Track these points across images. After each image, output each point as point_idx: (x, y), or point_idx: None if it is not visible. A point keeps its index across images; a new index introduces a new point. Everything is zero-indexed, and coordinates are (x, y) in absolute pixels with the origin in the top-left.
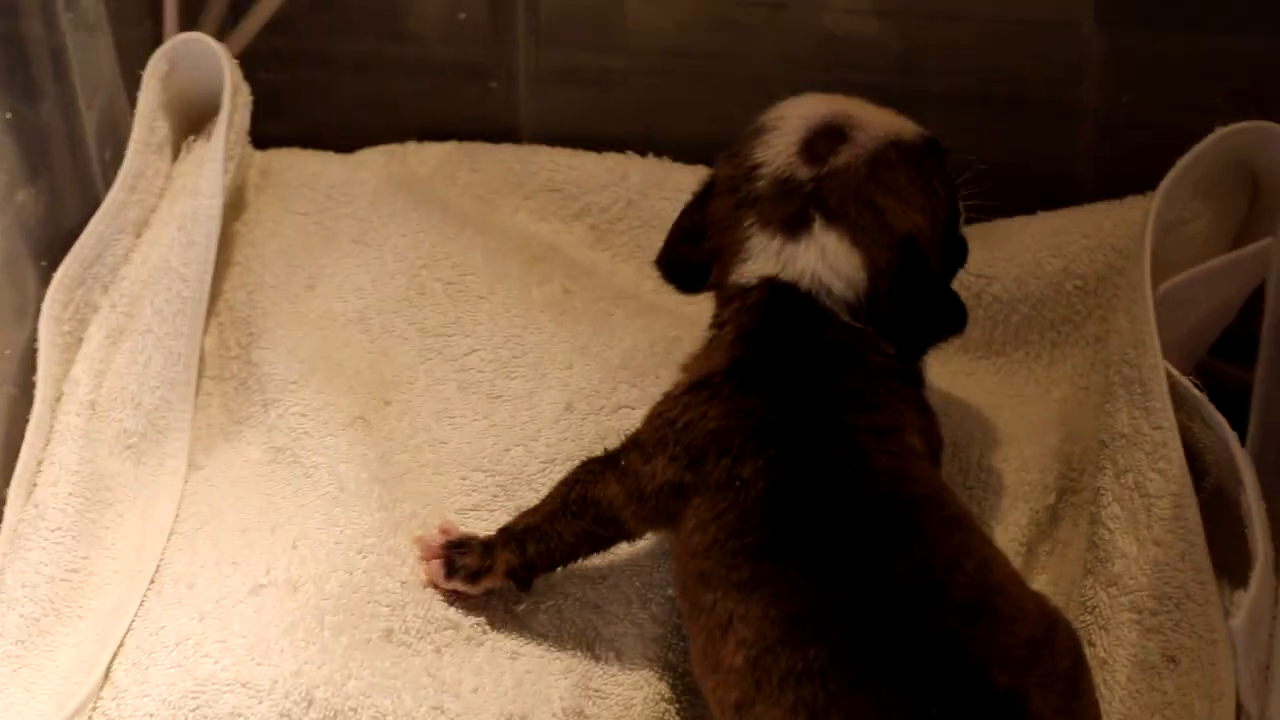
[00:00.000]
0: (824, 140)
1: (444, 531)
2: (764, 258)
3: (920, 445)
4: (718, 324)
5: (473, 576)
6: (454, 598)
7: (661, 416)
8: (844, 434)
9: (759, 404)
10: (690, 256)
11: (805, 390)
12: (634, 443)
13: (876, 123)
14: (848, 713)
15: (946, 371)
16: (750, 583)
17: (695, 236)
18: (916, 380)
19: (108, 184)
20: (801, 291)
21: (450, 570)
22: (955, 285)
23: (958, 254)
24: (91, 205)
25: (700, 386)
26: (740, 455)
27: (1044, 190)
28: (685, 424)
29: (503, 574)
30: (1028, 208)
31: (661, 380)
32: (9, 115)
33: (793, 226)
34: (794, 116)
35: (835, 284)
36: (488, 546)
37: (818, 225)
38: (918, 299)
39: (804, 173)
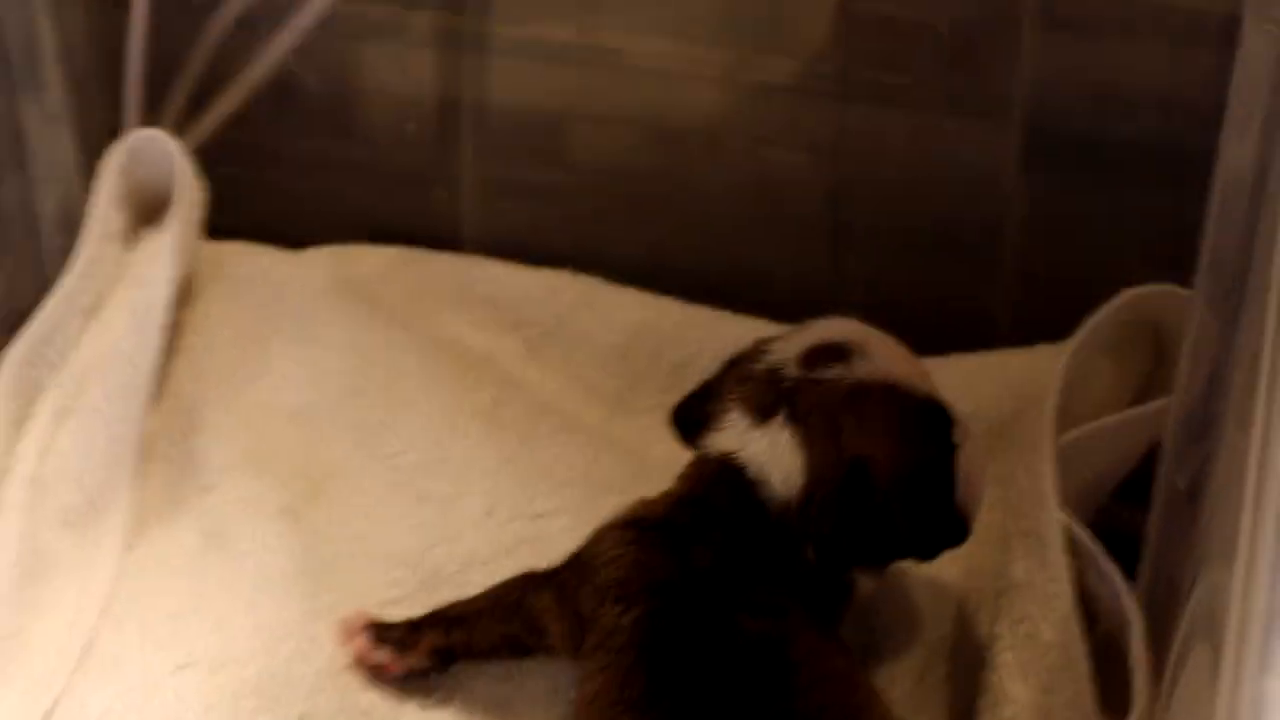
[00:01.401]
0: (827, 354)
1: (364, 615)
2: (732, 433)
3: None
4: (681, 476)
5: (399, 645)
6: (373, 675)
7: (596, 545)
8: (729, 611)
9: (668, 563)
10: (697, 414)
11: (715, 564)
12: (572, 563)
13: (887, 364)
14: None
15: None
16: None
17: (705, 398)
18: (841, 592)
19: (60, 269)
20: (747, 477)
21: (378, 638)
22: None
23: (937, 516)
24: (43, 289)
25: (630, 527)
26: (630, 605)
27: (960, 330)
28: (605, 561)
29: (428, 651)
30: (944, 346)
31: (574, 493)
32: None
33: (763, 414)
34: (818, 328)
35: (775, 478)
36: (414, 625)
37: (779, 420)
38: (847, 520)
39: (792, 371)
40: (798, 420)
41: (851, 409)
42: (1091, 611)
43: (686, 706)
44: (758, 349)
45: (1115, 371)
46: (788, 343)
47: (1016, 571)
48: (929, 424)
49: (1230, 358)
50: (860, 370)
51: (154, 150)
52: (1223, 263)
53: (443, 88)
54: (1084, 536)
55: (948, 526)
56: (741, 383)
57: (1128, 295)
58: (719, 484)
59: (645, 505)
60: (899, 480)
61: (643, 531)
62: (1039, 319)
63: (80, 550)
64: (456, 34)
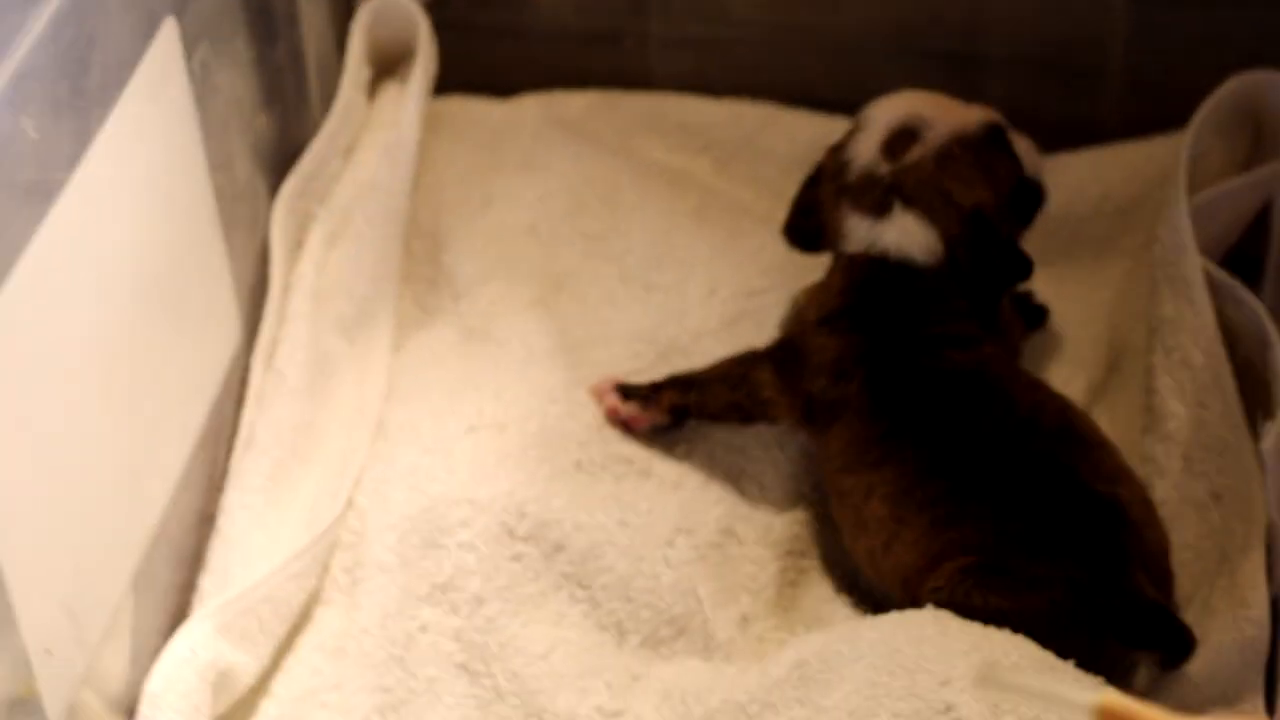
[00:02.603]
0: (900, 140)
1: (612, 379)
2: (858, 235)
3: (998, 353)
4: (833, 270)
5: (644, 401)
6: (625, 430)
7: (801, 339)
8: (930, 347)
9: (864, 339)
10: (807, 227)
11: (897, 327)
12: (785, 348)
13: (944, 120)
14: (973, 517)
15: None
16: (879, 460)
17: (808, 213)
18: (992, 322)
19: (323, 115)
20: (892, 261)
21: (626, 396)
22: None
23: (1031, 203)
24: (310, 131)
25: (823, 323)
26: (849, 377)
27: (1077, 133)
28: (815, 348)
29: (666, 408)
30: (1070, 146)
31: (782, 274)
32: (254, 54)
33: (878, 211)
34: (878, 118)
35: (916, 254)
36: (655, 386)
37: (897, 209)
38: (985, 259)
39: (884, 168)
40: (911, 203)
41: (947, 173)
42: (1230, 339)
43: (922, 424)
44: (837, 157)
45: (1223, 149)
46: (861, 142)
47: (1166, 310)
48: (996, 146)
49: None
50: (933, 141)
51: (393, 11)
52: None
53: None
54: (1221, 274)
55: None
56: (842, 193)
57: (1234, 81)
58: (873, 275)
59: (821, 302)
60: (1003, 206)
61: (835, 321)
62: (1142, 119)
63: (356, 351)
64: None
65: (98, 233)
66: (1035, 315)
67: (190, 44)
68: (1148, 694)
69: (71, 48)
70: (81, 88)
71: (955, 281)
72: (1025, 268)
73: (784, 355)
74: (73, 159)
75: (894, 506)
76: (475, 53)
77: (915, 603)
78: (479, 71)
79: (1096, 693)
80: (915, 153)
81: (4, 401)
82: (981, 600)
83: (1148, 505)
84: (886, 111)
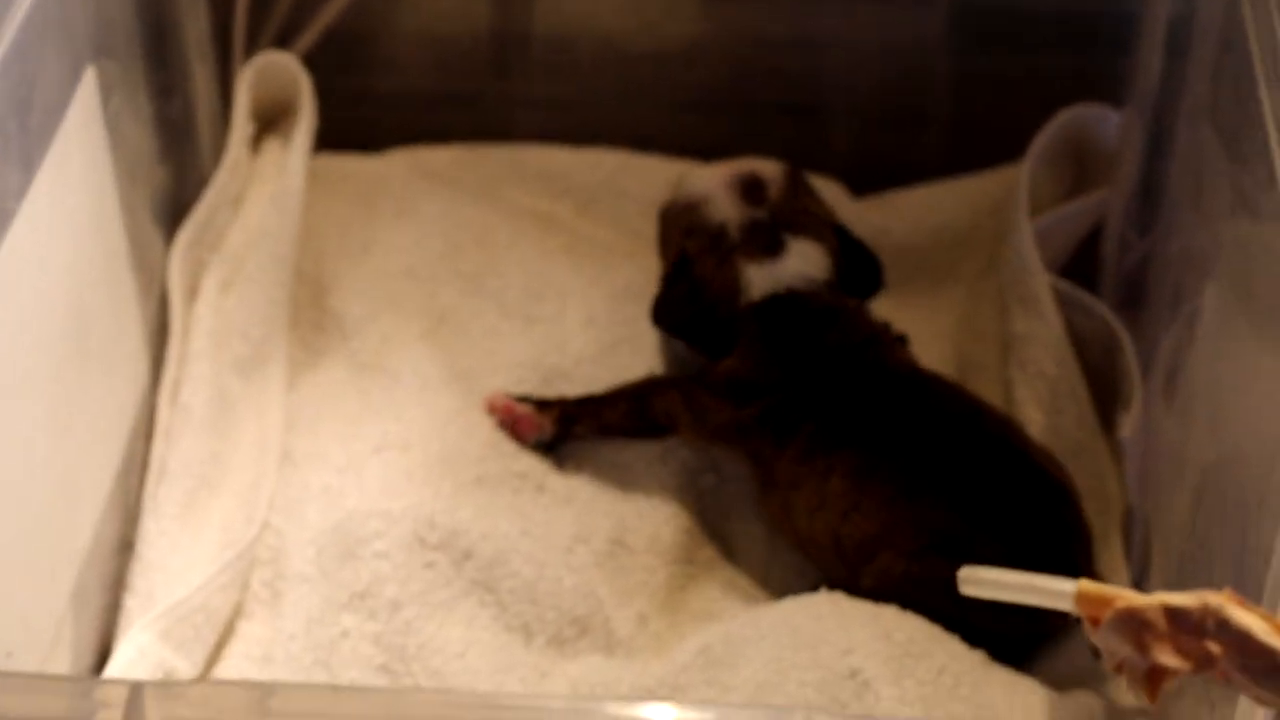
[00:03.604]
0: (751, 190)
1: (505, 393)
2: (760, 280)
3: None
4: (743, 340)
5: (538, 405)
6: (514, 436)
7: (709, 376)
8: (860, 352)
9: (789, 365)
10: (692, 313)
11: (826, 344)
12: (697, 382)
13: (764, 167)
14: (934, 492)
15: None
16: (836, 446)
17: (693, 298)
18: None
19: (212, 167)
20: (799, 291)
21: (519, 399)
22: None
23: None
24: (200, 183)
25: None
26: (794, 409)
27: (906, 173)
28: (727, 376)
29: (557, 416)
30: (903, 184)
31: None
32: (154, 108)
33: (773, 249)
34: (712, 186)
35: (818, 274)
36: (545, 401)
37: (789, 241)
38: (860, 258)
39: (760, 213)
40: (797, 231)
41: (807, 201)
42: (1078, 347)
43: (882, 424)
44: (702, 233)
45: (1051, 177)
46: (720, 207)
47: (1018, 326)
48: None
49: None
50: (770, 177)
51: (275, 70)
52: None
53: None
54: (1068, 287)
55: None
56: (729, 252)
57: (1062, 115)
58: (780, 312)
59: (742, 369)
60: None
61: (768, 388)
62: (961, 162)
63: (253, 390)
64: None
65: (36, 266)
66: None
67: (105, 94)
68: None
69: (19, 86)
70: (26, 125)
71: (846, 293)
72: (880, 268)
73: (692, 386)
74: (20, 192)
75: (856, 479)
76: (338, 115)
77: (866, 575)
78: (343, 132)
79: (1074, 582)
80: (772, 192)
81: None
82: (942, 570)
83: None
84: (712, 179)
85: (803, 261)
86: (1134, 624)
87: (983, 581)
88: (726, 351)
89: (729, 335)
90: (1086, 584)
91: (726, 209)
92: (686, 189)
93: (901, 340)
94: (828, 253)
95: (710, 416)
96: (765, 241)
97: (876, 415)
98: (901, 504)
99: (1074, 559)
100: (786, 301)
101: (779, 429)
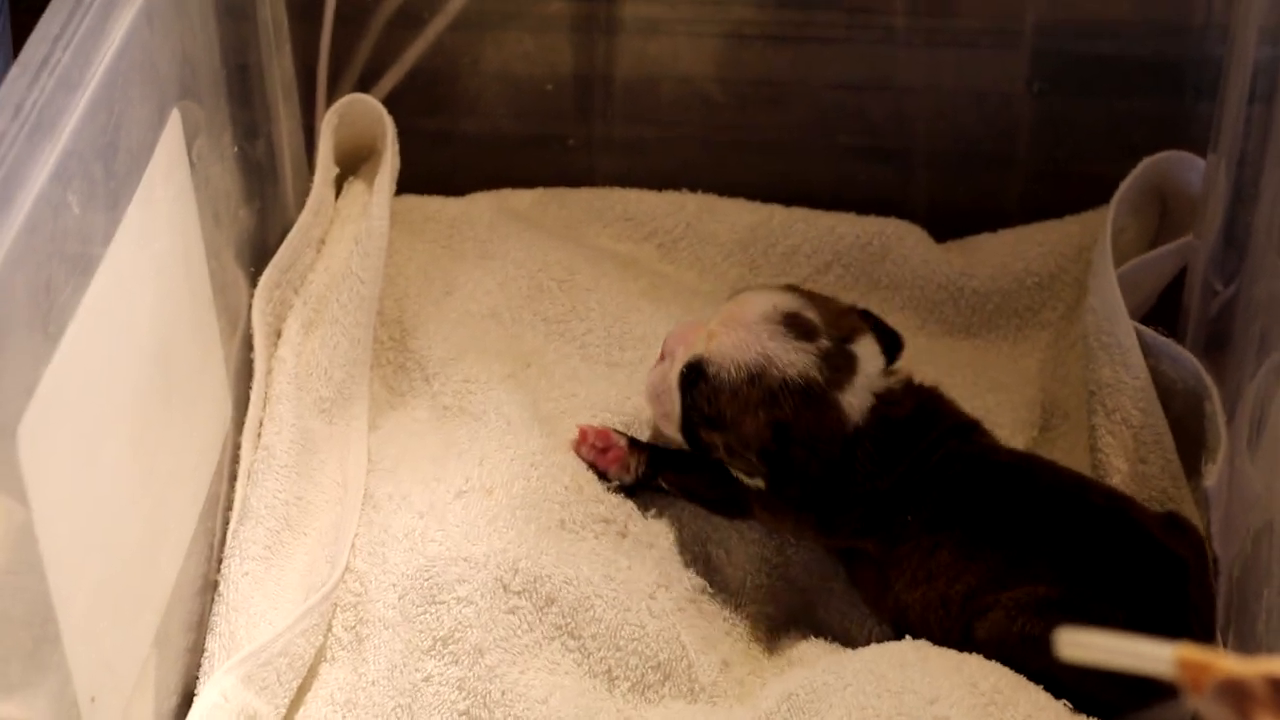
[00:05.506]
0: (797, 326)
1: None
2: (860, 401)
3: None
4: (859, 470)
5: (631, 443)
6: (595, 469)
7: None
8: (957, 443)
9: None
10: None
11: (927, 441)
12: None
13: (780, 300)
14: (1044, 557)
15: (938, 349)
16: (942, 526)
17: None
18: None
19: (295, 209)
20: (883, 396)
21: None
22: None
23: None
24: (284, 225)
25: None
26: (893, 507)
27: (988, 218)
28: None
29: (646, 459)
30: (985, 229)
31: None
32: (238, 150)
33: (851, 369)
34: (770, 347)
35: (880, 365)
36: (637, 442)
37: (853, 350)
38: (879, 325)
39: (824, 343)
40: (851, 338)
41: (829, 300)
42: (1163, 396)
43: (989, 504)
44: (783, 398)
45: (1137, 224)
46: (784, 361)
47: (1104, 374)
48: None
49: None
50: (811, 309)
51: (359, 112)
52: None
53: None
54: (1155, 335)
55: None
56: (823, 394)
57: (1146, 161)
58: (877, 424)
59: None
60: None
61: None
62: (1045, 208)
63: (335, 431)
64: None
65: (122, 308)
66: None
67: (190, 136)
68: None
69: (104, 131)
70: (112, 169)
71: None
72: (896, 335)
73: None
74: (106, 236)
75: (965, 549)
76: (421, 156)
77: (979, 628)
78: (426, 174)
79: (1174, 646)
80: (811, 316)
81: (59, 464)
82: (1043, 629)
83: (1203, 559)
84: (750, 340)
85: (872, 360)
86: (1237, 693)
87: (1082, 644)
88: (841, 487)
89: (844, 470)
90: (1187, 649)
91: (794, 357)
92: (726, 365)
93: (977, 424)
94: (874, 338)
95: (794, 526)
96: (841, 363)
97: (980, 495)
98: (1010, 568)
99: (1190, 630)
100: (881, 415)
101: (873, 526)
